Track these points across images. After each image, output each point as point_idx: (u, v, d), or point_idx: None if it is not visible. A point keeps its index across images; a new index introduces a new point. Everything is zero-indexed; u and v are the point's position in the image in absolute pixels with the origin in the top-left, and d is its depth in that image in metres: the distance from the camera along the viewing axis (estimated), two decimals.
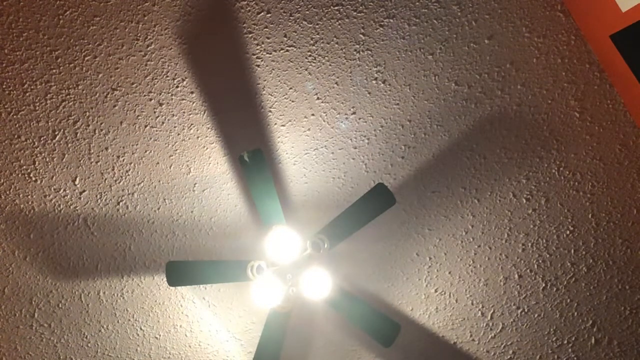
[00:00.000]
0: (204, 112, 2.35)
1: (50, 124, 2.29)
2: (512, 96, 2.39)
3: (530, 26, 2.31)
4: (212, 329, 2.68)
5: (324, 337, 2.73)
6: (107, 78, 2.26)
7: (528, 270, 2.63)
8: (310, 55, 2.32)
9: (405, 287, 2.66)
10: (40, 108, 2.26)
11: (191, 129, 2.36)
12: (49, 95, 2.25)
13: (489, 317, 2.72)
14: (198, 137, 2.38)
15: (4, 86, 2.22)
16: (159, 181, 2.42)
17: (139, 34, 2.21)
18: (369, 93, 2.38)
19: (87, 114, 2.30)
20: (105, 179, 2.39)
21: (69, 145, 2.33)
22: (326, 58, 2.32)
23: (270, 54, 2.30)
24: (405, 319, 2.70)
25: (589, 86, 2.38)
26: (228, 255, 2.56)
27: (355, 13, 2.27)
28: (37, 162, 2.34)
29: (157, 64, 2.26)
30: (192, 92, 2.32)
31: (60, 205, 2.40)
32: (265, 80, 2.33)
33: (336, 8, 2.26)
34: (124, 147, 2.36)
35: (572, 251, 2.60)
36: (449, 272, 2.64)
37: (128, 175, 2.40)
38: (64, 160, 2.35)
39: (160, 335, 2.68)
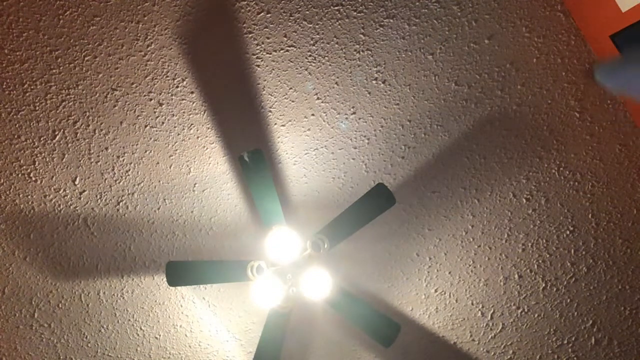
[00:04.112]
0: (204, 112, 2.35)
1: (50, 124, 2.29)
2: (512, 96, 2.39)
3: (530, 26, 2.31)
4: (212, 329, 2.68)
5: (324, 337, 2.73)
6: (107, 78, 2.26)
7: (528, 270, 2.63)
8: (310, 55, 2.32)
9: (405, 287, 2.66)
10: (40, 108, 2.26)
11: (191, 129, 2.36)
12: (49, 95, 2.25)
13: (489, 317, 2.72)
14: (198, 137, 2.38)
15: (4, 86, 2.22)
16: (159, 181, 2.42)
17: (139, 34, 2.21)
18: (369, 93, 2.38)
19: (87, 114, 2.30)
20: (105, 179, 2.39)
21: (69, 145, 2.33)
22: (326, 58, 2.32)
23: (270, 54, 2.30)
24: (405, 319, 2.70)
25: (589, 86, 2.38)
26: (228, 255, 2.56)
27: (355, 13, 2.27)
28: (37, 162, 2.34)
29: (157, 64, 2.26)
30: (192, 92, 2.32)
31: (60, 205, 2.40)
32: (265, 80, 2.33)
33: (336, 8, 2.26)
34: (124, 147, 2.36)
35: (572, 251, 2.60)
36: (449, 272, 2.64)
37: (128, 175, 2.40)
38: (64, 160, 2.35)
39: (160, 335, 2.68)
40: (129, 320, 2.63)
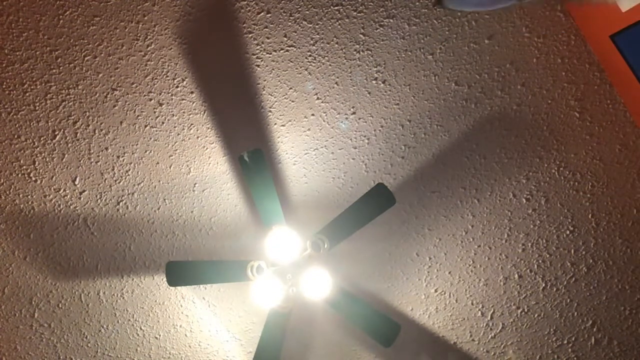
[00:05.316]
0: (204, 112, 2.35)
1: (50, 124, 2.29)
2: (512, 96, 2.39)
3: (530, 26, 2.31)
4: (212, 329, 2.68)
5: (324, 337, 2.73)
6: (107, 78, 2.26)
7: (528, 270, 2.63)
8: (310, 55, 2.32)
9: (405, 287, 2.66)
10: (40, 108, 2.26)
11: (191, 129, 2.36)
12: (49, 95, 2.25)
13: (489, 317, 2.72)
14: (198, 137, 2.38)
15: (4, 86, 2.22)
16: (159, 181, 2.42)
17: (139, 34, 2.21)
18: (369, 93, 2.38)
19: (87, 114, 2.30)
20: (105, 179, 2.39)
21: (69, 145, 2.33)
22: (326, 58, 2.32)
23: (270, 54, 2.30)
24: (405, 319, 2.70)
25: (589, 86, 2.38)
26: (228, 255, 2.56)
27: (355, 13, 2.27)
28: (37, 162, 2.34)
29: (157, 64, 2.26)
30: (192, 92, 2.32)
31: (60, 205, 2.40)
32: (265, 80, 2.33)
33: (336, 8, 2.26)
34: (124, 147, 2.36)
35: (572, 251, 2.60)
36: (449, 272, 2.64)
37: (128, 175, 2.40)
38: (64, 160, 2.35)
39: (160, 335, 2.68)
40: (129, 320, 2.63)
